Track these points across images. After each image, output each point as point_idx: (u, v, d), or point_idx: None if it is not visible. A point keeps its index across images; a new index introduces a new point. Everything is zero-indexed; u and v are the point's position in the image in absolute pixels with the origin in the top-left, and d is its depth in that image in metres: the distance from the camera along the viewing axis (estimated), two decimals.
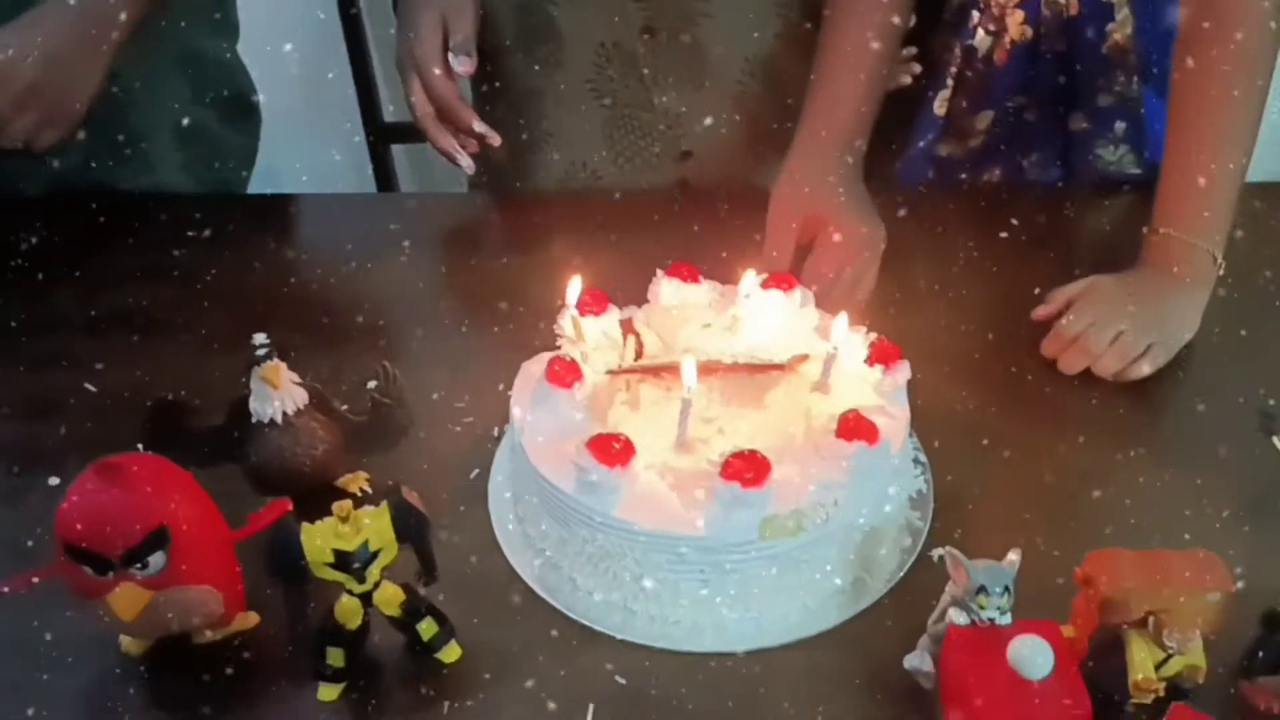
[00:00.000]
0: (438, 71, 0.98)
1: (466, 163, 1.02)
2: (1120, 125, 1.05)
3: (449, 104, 0.99)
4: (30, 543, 0.70)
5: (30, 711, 0.64)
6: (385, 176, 1.81)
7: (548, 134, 1.12)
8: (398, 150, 1.82)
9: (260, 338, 0.74)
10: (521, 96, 1.11)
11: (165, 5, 1.03)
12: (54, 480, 0.78)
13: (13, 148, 0.96)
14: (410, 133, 1.69)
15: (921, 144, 1.08)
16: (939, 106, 1.06)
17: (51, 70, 0.94)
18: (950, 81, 1.05)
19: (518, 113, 1.11)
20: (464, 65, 0.98)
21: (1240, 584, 0.60)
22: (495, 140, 1.01)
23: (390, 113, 1.76)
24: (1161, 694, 0.60)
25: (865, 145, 0.96)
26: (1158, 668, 0.59)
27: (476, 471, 0.80)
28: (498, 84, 1.11)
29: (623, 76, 1.07)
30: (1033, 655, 0.58)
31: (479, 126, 1.00)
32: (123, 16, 0.96)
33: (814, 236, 0.89)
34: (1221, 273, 0.87)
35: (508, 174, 1.15)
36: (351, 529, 0.61)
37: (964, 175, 1.10)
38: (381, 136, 1.78)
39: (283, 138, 1.27)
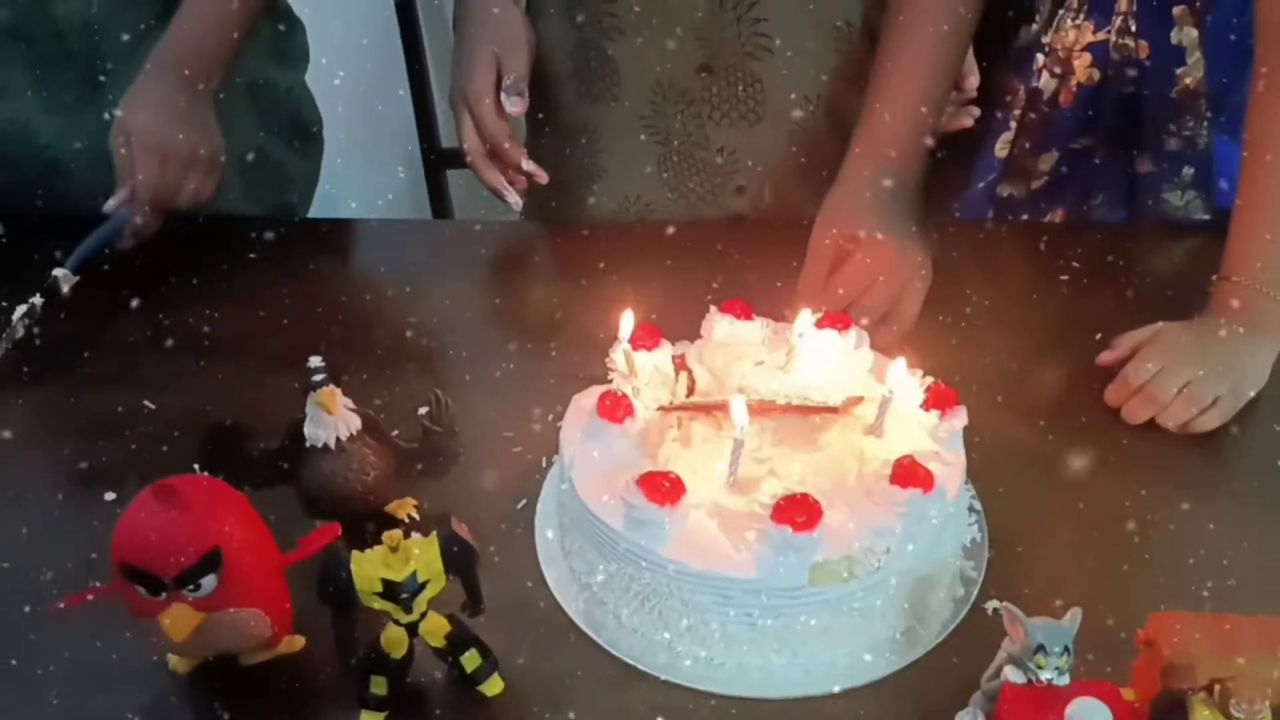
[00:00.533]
0: (489, 110, 0.99)
1: (514, 199, 1.03)
2: (1188, 170, 1.02)
3: (500, 143, 1.00)
4: (93, 556, 0.71)
5: None
6: (441, 200, 1.84)
7: (601, 169, 1.12)
8: (453, 175, 1.85)
9: (316, 360, 0.75)
10: (575, 130, 1.12)
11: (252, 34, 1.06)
12: (110, 495, 0.79)
13: (188, 209, 1.02)
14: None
15: (981, 185, 1.06)
16: (1000, 149, 1.05)
17: (187, 128, 0.99)
18: (1013, 124, 1.04)
19: (570, 146, 1.12)
20: (516, 106, 0.99)
21: None
22: (543, 179, 1.03)
23: (447, 138, 1.79)
24: None
25: (918, 173, 0.95)
26: None
27: (524, 502, 0.80)
28: (551, 116, 1.12)
29: (679, 113, 1.08)
30: (1092, 719, 0.56)
31: (528, 165, 1.01)
32: (224, 57, 1.01)
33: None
34: None
35: (559, 207, 1.15)
36: (401, 559, 0.61)
37: (1025, 215, 1.09)
38: (438, 161, 1.81)
39: (342, 163, 1.29)
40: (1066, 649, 0.58)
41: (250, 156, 1.13)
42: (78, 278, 1.00)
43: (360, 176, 1.56)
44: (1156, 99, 1.00)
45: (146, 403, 0.90)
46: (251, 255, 1.08)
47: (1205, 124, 1.00)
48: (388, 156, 1.79)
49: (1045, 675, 0.58)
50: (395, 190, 1.82)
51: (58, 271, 0.98)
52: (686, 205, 1.12)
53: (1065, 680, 0.59)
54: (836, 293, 0.87)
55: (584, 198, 1.14)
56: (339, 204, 1.30)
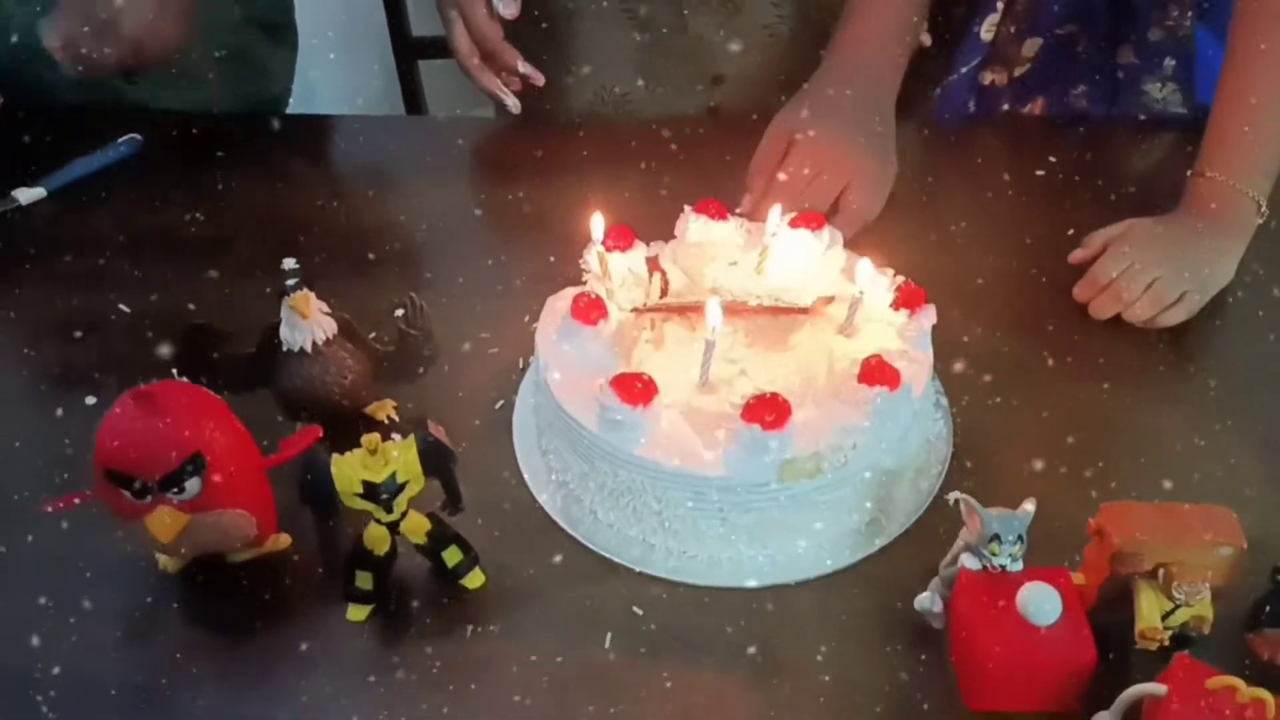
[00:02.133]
0: (481, 13, 0.96)
1: (513, 103, 1.02)
2: (1170, 62, 1.01)
3: (493, 46, 0.98)
4: (70, 457, 0.73)
5: (75, 625, 0.67)
6: (412, 92, 1.79)
7: (579, 58, 1.10)
8: (425, 65, 1.79)
9: (290, 263, 0.75)
10: (553, 18, 1.09)
11: None
12: (91, 399, 0.80)
13: (121, 73, 0.96)
14: (438, 48, 1.67)
15: (964, 69, 1.05)
16: (986, 32, 1.03)
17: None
18: (1000, 5, 1.01)
19: (548, 35, 1.10)
20: (509, 7, 0.97)
21: (1254, 536, 0.61)
22: (539, 80, 1.01)
23: (418, 26, 1.73)
24: (1167, 643, 0.61)
25: (891, 80, 0.95)
26: (1164, 618, 0.60)
27: (501, 403, 0.81)
28: (528, 6, 1.09)
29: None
30: (1041, 602, 0.60)
31: (524, 67, 0.99)
32: None
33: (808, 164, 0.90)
34: (1262, 220, 0.86)
35: (536, 98, 1.13)
36: (379, 461, 0.63)
37: (1006, 105, 1.08)
38: (410, 50, 1.75)
39: (311, 55, 1.26)
40: (1020, 538, 0.61)
41: (233, 42, 1.11)
42: (43, 194, 0.99)
43: (330, 68, 1.51)
44: None
45: (121, 305, 0.90)
46: (220, 154, 1.06)
47: (1190, 14, 0.99)
48: (357, 47, 1.74)
49: (999, 562, 0.61)
50: (366, 82, 1.77)
51: (18, 193, 0.97)
52: (664, 94, 1.10)
53: (1019, 567, 0.62)
54: (778, 178, 0.88)
55: (562, 87, 1.12)
56: (311, 99, 1.27)
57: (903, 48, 0.96)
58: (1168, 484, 0.72)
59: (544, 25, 1.09)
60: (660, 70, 1.10)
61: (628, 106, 1.11)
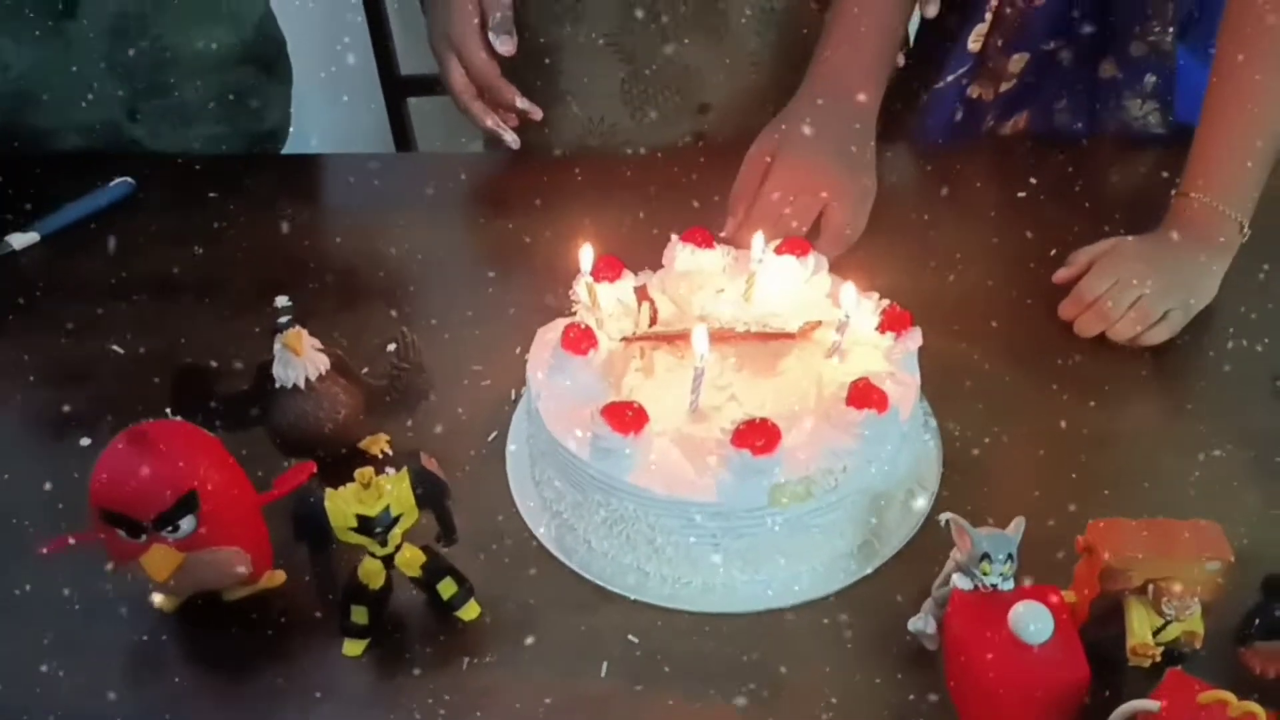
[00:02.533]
0: (478, 51, 0.98)
1: (511, 138, 1.03)
2: (1150, 79, 1.03)
3: (491, 83, 0.99)
4: (62, 505, 0.73)
5: (74, 668, 0.67)
6: (401, 129, 1.81)
7: (566, 91, 1.12)
8: (415, 103, 1.81)
9: (282, 300, 0.76)
10: (539, 51, 1.10)
11: None
12: (85, 441, 0.80)
13: None
14: (426, 85, 1.69)
15: (951, 78, 1.06)
16: (973, 43, 1.04)
17: None
18: (988, 15, 1.03)
19: (535, 67, 1.11)
20: (506, 45, 0.98)
21: (1244, 548, 0.61)
22: (537, 115, 1.02)
23: (406, 65, 1.75)
24: (1159, 659, 0.61)
25: (872, 100, 0.96)
26: (1155, 633, 0.61)
27: (494, 434, 0.81)
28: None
29: (643, 28, 1.07)
30: (1032, 621, 0.60)
31: (521, 103, 1.01)
32: None
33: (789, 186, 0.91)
34: (1244, 240, 0.87)
35: (524, 130, 1.15)
36: (373, 495, 0.63)
37: (991, 119, 1.09)
38: (398, 90, 1.77)
39: (300, 97, 1.27)
40: (1010, 556, 0.61)
41: (220, 91, 1.13)
42: (36, 239, 1.00)
43: (319, 110, 1.53)
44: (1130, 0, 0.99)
45: (114, 347, 0.90)
46: (213, 195, 1.07)
47: (1172, 30, 1.00)
48: (346, 87, 1.76)
49: (990, 581, 0.62)
50: (356, 121, 1.79)
51: (11, 238, 0.98)
52: (650, 124, 1.12)
53: (1009, 586, 0.62)
54: (764, 200, 0.90)
55: (550, 119, 1.13)
56: (301, 140, 1.29)
57: (880, 70, 0.98)
58: (1156, 498, 0.73)
59: (529, 63, 1.11)
60: (646, 101, 1.12)
61: (615, 138, 1.13)
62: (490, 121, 1.02)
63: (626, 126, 1.12)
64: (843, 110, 0.95)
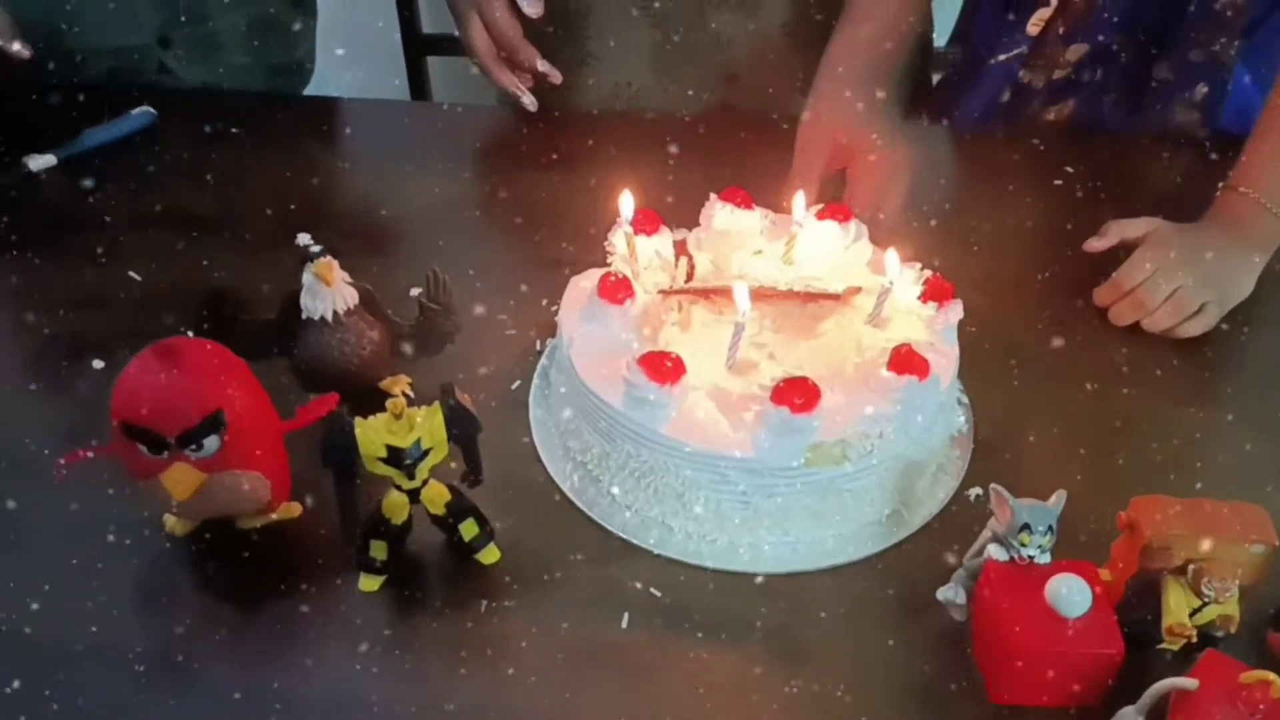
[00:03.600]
0: (502, 12, 0.96)
1: (529, 100, 1.01)
2: (1202, 89, 1.02)
3: (513, 44, 0.97)
4: (73, 429, 0.71)
5: (82, 594, 0.66)
6: (420, 88, 1.79)
7: (593, 54, 1.10)
8: (433, 62, 1.79)
9: (305, 237, 0.74)
10: (568, 15, 1.09)
11: None
12: (99, 363, 0.79)
13: None
14: (448, 45, 1.67)
15: (1003, 57, 1.05)
16: (1033, 26, 1.03)
17: None
18: (1054, 1, 1.01)
19: (563, 29, 1.10)
20: (534, 6, 0.96)
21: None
22: (557, 78, 1.00)
23: (429, 23, 1.73)
24: (1194, 640, 0.60)
25: (900, 71, 0.94)
26: (1192, 615, 0.60)
27: (519, 383, 0.80)
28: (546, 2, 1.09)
29: None
30: (1071, 594, 0.59)
31: (543, 66, 0.99)
32: None
33: (842, 166, 0.89)
34: None
35: (550, 90, 1.13)
36: (405, 426, 0.62)
37: (1037, 104, 1.08)
38: (419, 48, 1.75)
39: (322, 45, 1.25)
40: (1050, 529, 0.61)
41: (251, 22, 1.12)
42: (53, 162, 0.98)
43: (339, 64, 1.51)
44: (1200, 6, 0.98)
45: (133, 274, 0.88)
46: (235, 131, 1.05)
47: (1235, 44, 0.99)
48: (368, 43, 1.73)
49: (1028, 553, 0.61)
50: (375, 78, 1.77)
51: (29, 159, 0.96)
52: (678, 91, 1.10)
53: (1046, 559, 0.61)
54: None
55: (575, 84, 1.12)
56: (317, 87, 1.26)
57: (899, 42, 0.95)
58: (1186, 488, 0.72)
59: (558, 24, 1.09)
60: (675, 68, 1.10)
61: (641, 102, 1.11)
62: (508, 82, 1.00)
63: (653, 92, 1.11)
64: (876, 89, 0.91)
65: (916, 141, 0.94)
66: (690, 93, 1.11)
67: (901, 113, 0.96)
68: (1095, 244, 0.88)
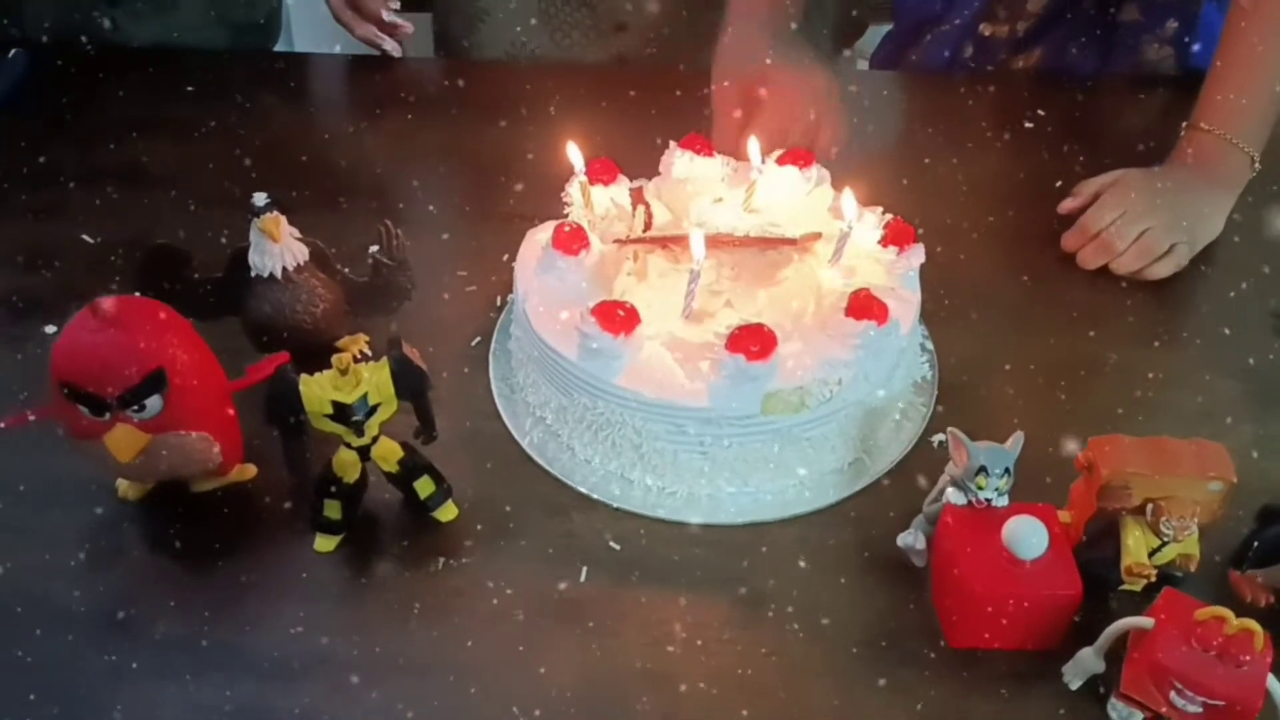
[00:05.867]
0: None
1: (391, 45, 1.05)
2: (1172, 24, 1.00)
3: None
4: (26, 392, 0.70)
5: (27, 551, 0.65)
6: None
7: (484, 11, 1.11)
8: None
9: (261, 197, 0.72)
10: None
11: None
12: (50, 328, 0.77)
13: None
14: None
15: (959, 20, 1.03)
16: None
17: None
18: None
19: None
20: None
21: (1240, 477, 0.60)
22: (408, 30, 1.05)
23: None
24: (1153, 579, 0.60)
25: (804, 8, 0.91)
26: (1151, 554, 0.59)
27: (478, 339, 0.79)
28: None
29: None
30: (1027, 535, 0.58)
31: (389, 16, 1.03)
32: None
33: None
34: (1254, 174, 0.85)
35: (447, 55, 1.15)
36: (350, 382, 0.61)
37: (1003, 54, 1.06)
38: None
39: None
40: (1007, 470, 0.60)
41: None
42: None
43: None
44: None
45: (84, 236, 0.86)
46: (190, 88, 1.03)
47: None
48: None
49: (985, 495, 0.60)
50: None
51: None
52: (570, 44, 1.10)
53: (1004, 502, 0.61)
54: (768, 133, 0.82)
55: (475, 41, 1.12)
56: None
57: None
58: (1152, 429, 0.70)
59: None
60: (564, 20, 1.10)
61: (535, 58, 1.10)
62: (367, 33, 1.04)
63: (546, 47, 1.10)
64: (783, 27, 0.88)
65: (828, 66, 0.90)
66: (581, 45, 1.10)
67: (830, 49, 0.93)
68: (1070, 204, 0.87)
